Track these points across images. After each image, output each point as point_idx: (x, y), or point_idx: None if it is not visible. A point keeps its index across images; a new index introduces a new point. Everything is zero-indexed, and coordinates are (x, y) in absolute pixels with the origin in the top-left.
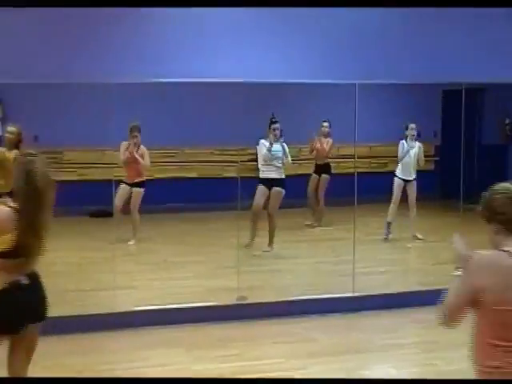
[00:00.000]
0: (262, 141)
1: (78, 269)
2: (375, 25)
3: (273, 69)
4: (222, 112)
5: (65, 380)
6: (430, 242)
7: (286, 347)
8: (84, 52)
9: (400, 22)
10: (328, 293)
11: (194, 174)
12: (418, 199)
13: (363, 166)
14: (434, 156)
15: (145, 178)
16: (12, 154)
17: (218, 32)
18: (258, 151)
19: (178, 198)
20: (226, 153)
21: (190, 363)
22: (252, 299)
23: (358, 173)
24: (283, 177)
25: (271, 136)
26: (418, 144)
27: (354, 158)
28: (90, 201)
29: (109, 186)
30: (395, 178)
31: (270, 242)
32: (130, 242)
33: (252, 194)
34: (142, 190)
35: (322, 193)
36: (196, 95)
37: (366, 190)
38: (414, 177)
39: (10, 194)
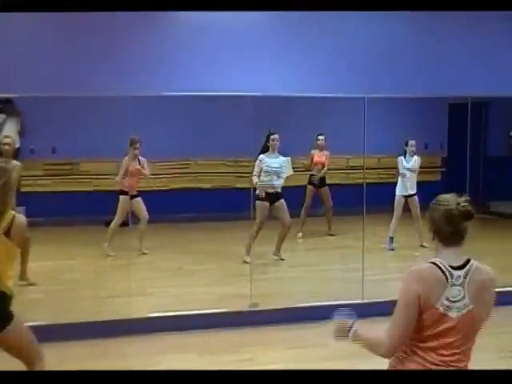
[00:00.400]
0: (262, 156)
1: (93, 276)
2: (384, 41)
3: (285, 83)
4: (234, 124)
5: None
6: (434, 251)
7: (297, 352)
8: (100, 66)
9: (408, 38)
10: (338, 299)
11: (207, 185)
12: (425, 209)
13: (372, 177)
14: (440, 167)
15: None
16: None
17: (230, 48)
18: (259, 165)
19: (193, 208)
20: (238, 164)
21: (202, 368)
22: (264, 306)
23: (366, 183)
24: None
25: (271, 147)
26: (415, 157)
27: (363, 169)
28: (105, 210)
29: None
30: (396, 196)
31: (279, 249)
32: (146, 251)
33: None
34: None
35: (330, 203)
36: (209, 108)
37: (375, 200)
38: (414, 191)
39: None
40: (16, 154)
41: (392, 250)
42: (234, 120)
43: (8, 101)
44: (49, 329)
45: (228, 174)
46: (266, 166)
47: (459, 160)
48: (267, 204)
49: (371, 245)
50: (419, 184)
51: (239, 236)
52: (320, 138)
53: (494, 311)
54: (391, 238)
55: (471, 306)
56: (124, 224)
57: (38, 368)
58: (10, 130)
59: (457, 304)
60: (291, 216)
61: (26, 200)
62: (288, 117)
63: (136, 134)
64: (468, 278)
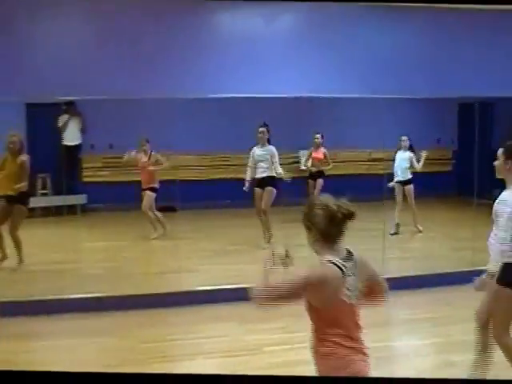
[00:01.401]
0: (254, 148)
1: (145, 255)
2: (405, 49)
3: (312, 86)
4: (271, 122)
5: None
6: (446, 232)
7: None
8: (150, 71)
9: (425, 47)
10: None
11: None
12: (437, 196)
13: (390, 168)
14: (451, 159)
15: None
16: (18, 161)
17: (261, 56)
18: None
19: (230, 195)
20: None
21: (241, 335)
22: None
23: (386, 173)
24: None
25: (259, 139)
26: (408, 153)
27: (382, 161)
28: (157, 197)
29: (173, 185)
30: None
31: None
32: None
33: (293, 191)
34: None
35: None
36: (247, 109)
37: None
38: (407, 178)
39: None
40: (78, 149)
41: (393, 234)
42: (268, 119)
43: (71, 103)
44: (107, 300)
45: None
46: (255, 155)
47: (467, 153)
48: (257, 189)
49: (388, 228)
50: (433, 174)
51: (271, 220)
52: (317, 136)
53: None
54: (397, 224)
55: (359, 288)
56: (172, 209)
57: None
58: (73, 128)
59: (354, 290)
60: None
61: (87, 188)
62: (315, 115)
63: (181, 132)
64: (357, 266)
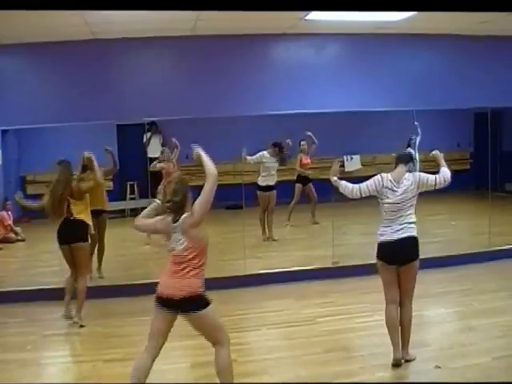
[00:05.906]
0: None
1: (217, 245)
2: (430, 67)
3: (352, 102)
4: (319, 131)
5: None
6: (466, 220)
7: (368, 296)
8: (218, 95)
9: (448, 67)
10: None
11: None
12: (458, 190)
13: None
14: (469, 159)
15: None
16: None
17: (311, 79)
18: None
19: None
20: (323, 161)
21: (298, 309)
22: (343, 263)
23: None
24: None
25: (271, 151)
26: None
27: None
28: (226, 198)
29: (239, 187)
30: None
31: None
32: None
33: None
34: None
35: (315, 196)
36: (298, 123)
37: None
38: None
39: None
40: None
41: None
42: (321, 128)
43: (153, 123)
44: None
45: (316, 168)
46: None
47: (482, 154)
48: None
49: (422, 217)
50: (454, 172)
51: (324, 214)
52: (302, 143)
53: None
54: None
55: (186, 243)
56: (239, 207)
57: None
58: (155, 143)
59: (178, 243)
60: None
61: None
62: (359, 127)
63: (246, 143)
64: (180, 227)
